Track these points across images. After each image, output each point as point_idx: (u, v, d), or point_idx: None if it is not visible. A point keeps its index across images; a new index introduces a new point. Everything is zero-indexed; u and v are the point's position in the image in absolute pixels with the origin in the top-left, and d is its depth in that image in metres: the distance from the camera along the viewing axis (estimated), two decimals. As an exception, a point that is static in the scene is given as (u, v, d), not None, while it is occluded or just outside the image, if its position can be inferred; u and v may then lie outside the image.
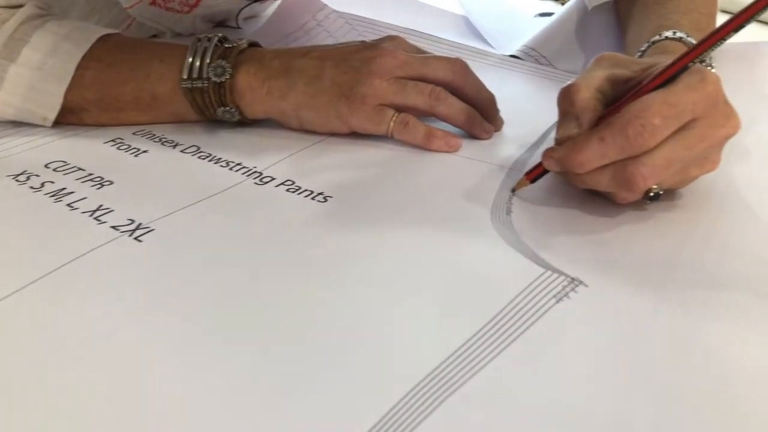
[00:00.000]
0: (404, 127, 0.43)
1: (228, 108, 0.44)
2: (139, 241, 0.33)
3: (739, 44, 0.57)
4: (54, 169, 0.41)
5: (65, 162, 0.42)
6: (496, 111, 0.46)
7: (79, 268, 0.31)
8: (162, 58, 0.45)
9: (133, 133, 0.47)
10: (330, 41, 0.64)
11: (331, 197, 0.38)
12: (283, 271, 0.32)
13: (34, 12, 0.45)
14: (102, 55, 0.45)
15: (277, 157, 0.43)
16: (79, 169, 0.41)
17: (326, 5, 0.67)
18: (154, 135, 0.46)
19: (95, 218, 0.35)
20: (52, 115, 0.45)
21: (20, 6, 0.45)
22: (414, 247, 0.33)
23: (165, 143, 0.45)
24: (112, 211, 0.36)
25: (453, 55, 0.46)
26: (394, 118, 0.43)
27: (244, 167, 0.41)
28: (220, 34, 0.45)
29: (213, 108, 0.45)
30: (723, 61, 0.52)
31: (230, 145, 0.45)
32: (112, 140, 0.45)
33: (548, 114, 0.48)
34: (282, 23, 0.68)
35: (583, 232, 0.34)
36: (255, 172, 0.41)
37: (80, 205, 0.37)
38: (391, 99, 0.43)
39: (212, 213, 0.36)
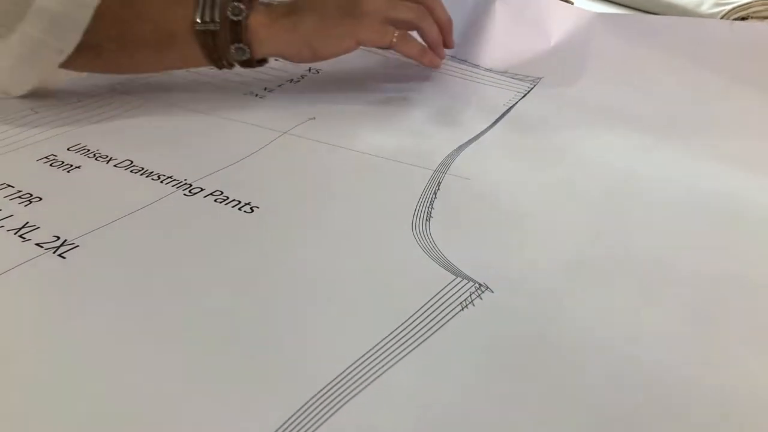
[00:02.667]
0: (405, 41, 0.52)
1: (240, 45, 0.49)
2: (63, 257, 0.34)
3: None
4: (-18, 187, 0.41)
5: (-5, 179, 0.42)
6: (452, 32, 0.57)
7: None
8: (179, 1, 0.49)
9: (68, 149, 0.47)
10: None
11: (257, 207, 0.39)
12: (203, 281, 0.32)
13: None
14: None
15: (210, 169, 0.43)
16: (8, 186, 0.41)
17: None
18: (89, 150, 0.47)
19: (20, 236, 0.36)
20: (69, 49, 0.48)
21: None
22: (332, 255, 0.34)
23: (99, 158, 0.45)
24: (37, 228, 0.37)
25: None
26: (396, 33, 0.51)
27: (174, 179, 0.42)
28: None
29: (223, 49, 0.49)
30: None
31: (165, 158, 0.45)
32: (46, 157, 0.46)
33: (484, 116, 0.50)
34: None
35: (497, 237, 0.35)
36: (185, 183, 0.41)
37: (5, 223, 0.37)
38: (387, 12, 0.51)
39: (138, 226, 0.37)
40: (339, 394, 0.25)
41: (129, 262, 0.34)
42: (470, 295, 0.31)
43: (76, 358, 0.28)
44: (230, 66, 0.52)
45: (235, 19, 0.48)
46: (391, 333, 0.28)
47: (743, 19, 0.73)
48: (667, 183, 0.41)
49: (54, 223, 0.37)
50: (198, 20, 0.48)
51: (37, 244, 0.35)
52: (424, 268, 0.33)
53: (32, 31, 0.47)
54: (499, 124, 0.50)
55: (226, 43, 0.49)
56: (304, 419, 0.24)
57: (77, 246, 0.35)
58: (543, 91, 0.55)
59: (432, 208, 0.38)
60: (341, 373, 0.26)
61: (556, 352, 0.28)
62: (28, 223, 0.37)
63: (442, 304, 0.30)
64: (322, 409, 0.25)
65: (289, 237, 0.36)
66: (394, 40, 0.51)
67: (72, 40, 0.48)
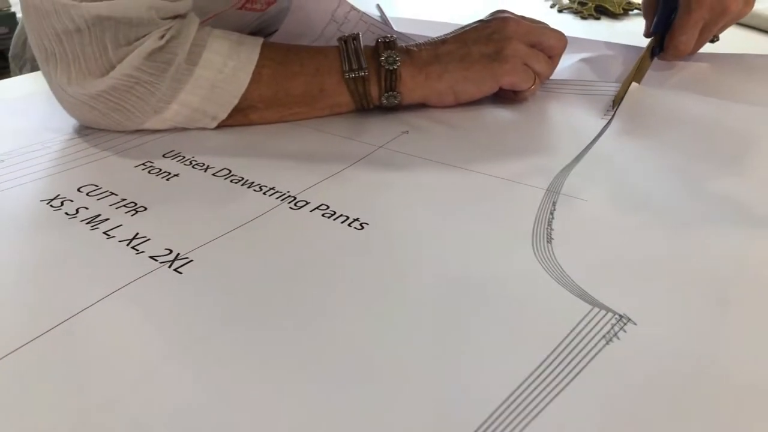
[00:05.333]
0: (536, 90, 0.54)
1: (393, 93, 0.50)
2: (179, 272, 0.33)
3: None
4: (87, 194, 0.41)
5: (97, 186, 0.42)
6: None
7: (121, 300, 0.31)
8: (325, 54, 0.50)
9: (163, 156, 0.46)
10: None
11: (367, 224, 0.37)
12: (328, 301, 0.31)
13: (198, 20, 0.49)
14: (273, 55, 0.49)
15: (310, 180, 0.42)
16: (112, 193, 0.41)
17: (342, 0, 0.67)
18: (184, 158, 0.46)
19: (133, 247, 0.35)
20: (223, 114, 0.49)
21: (178, 16, 0.48)
22: (456, 281, 0.33)
23: (196, 166, 0.45)
24: (148, 240, 0.36)
25: None
26: (536, 79, 0.52)
27: (277, 191, 0.41)
28: (358, 33, 0.51)
29: (373, 95, 0.51)
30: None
31: (262, 168, 0.44)
32: (143, 163, 0.45)
33: (584, 134, 0.48)
34: (302, 28, 0.67)
35: (628, 263, 0.33)
36: (289, 196, 0.41)
37: (116, 233, 0.36)
38: (526, 59, 0.52)
39: (249, 241, 0.36)
40: (490, 432, 0.24)
41: (246, 278, 0.33)
42: (612, 328, 0.29)
43: (210, 378, 0.27)
44: (373, 107, 0.52)
45: (390, 68, 0.49)
46: (538, 368, 0.27)
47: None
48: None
49: (164, 235, 0.36)
50: (346, 69, 0.49)
51: (152, 257, 0.34)
52: (556, 296, 0.31)
53: (191, 101, 0.48)
54: (603, 137, 0.48)
55: (378, 90, 0.50)
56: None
57: (191, 260, 0.34)
58: (636, 96, 0.53)
59: (551, 229, 0.37)
60: (490, 416, 0.25)
61: (714, 389, 0.26)
62: (138, 234, 0.36)
63: (585, 336, 0.28)
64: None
65: (408, 257, 0.35)
66: (534, 87, 0.52)
67: (228, 105, 0.49)
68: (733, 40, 0.67)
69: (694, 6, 0.54)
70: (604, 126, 0.50)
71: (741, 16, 0.56)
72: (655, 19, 0.58)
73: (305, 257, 0.35)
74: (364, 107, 0.52)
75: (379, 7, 0.87)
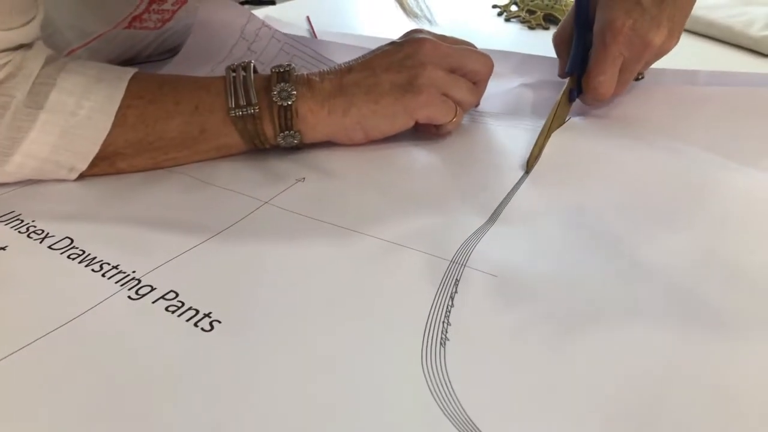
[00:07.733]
0: (459, 121, 0.46)
1: (291, 132, 0.43)
2: (-52, 408, 0.25)
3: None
4: None
5: None
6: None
7: None
8: (208, 88, 0.42)
9: (-2, 220, 0.38)
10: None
11: (218, 322, 0.30)
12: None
13: (49, 53, 0.40)
14: (141, 92, 0.41)
15: (166, 254, 0.34)
16: None
17: (252, 15, 0.60)
18: (22, 222, 0.38)
19: None
20: (82, 165, 0.41)
21: (21, 46, 0.39)
22: (317, 407, 0.25)
23: (32, 235, 0.37)
24: (-74, 356, 0.28)
25: None
26: (457, 110, 0.45)
27: (121, 271, 0.33)
28: (249, 61, 0.43)
29: (267, 135, 0.43)
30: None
31: (112, 236, 0.36)
32: (-33, 232, 0.37)
33: (505, 181, 0.41)
34: (207, 46, 0.60)
35: (526, 383, 0.26)
36: (132, 279, 0.33)
37: None
38: (444, 88, 0.44)
39: (64, 352, 0.28)
40: None
41: (45, 411, 0.25)
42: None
43: None
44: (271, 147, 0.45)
45: (284, 104, 0.41)
46: None
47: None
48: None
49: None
50: (232, 105, 0.41)
51: None
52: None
53: (39, 151, 0.39)
54: (522, 189, 0.40)
55: (272, 129, 0.43)
56: None
57: (-28, 387, 0.26)
58: (560, 138, 0.46)
59: (448, 324, 0.29)
60: None
61: None
62: None
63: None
64: None
65: (261, 371, 0.27)
66: (455, 119, 0.45)
67: (87, 154, 0.40)
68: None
69: (609, 40, 0.46)
70: (521, 177, 0.42)
71: (665, 51, 0.47)
72: (570, 58, 0.50)
73: (129, 379, 0.27)
74: (259, 147, 0.44)
75: (308, 19, 0.80)
